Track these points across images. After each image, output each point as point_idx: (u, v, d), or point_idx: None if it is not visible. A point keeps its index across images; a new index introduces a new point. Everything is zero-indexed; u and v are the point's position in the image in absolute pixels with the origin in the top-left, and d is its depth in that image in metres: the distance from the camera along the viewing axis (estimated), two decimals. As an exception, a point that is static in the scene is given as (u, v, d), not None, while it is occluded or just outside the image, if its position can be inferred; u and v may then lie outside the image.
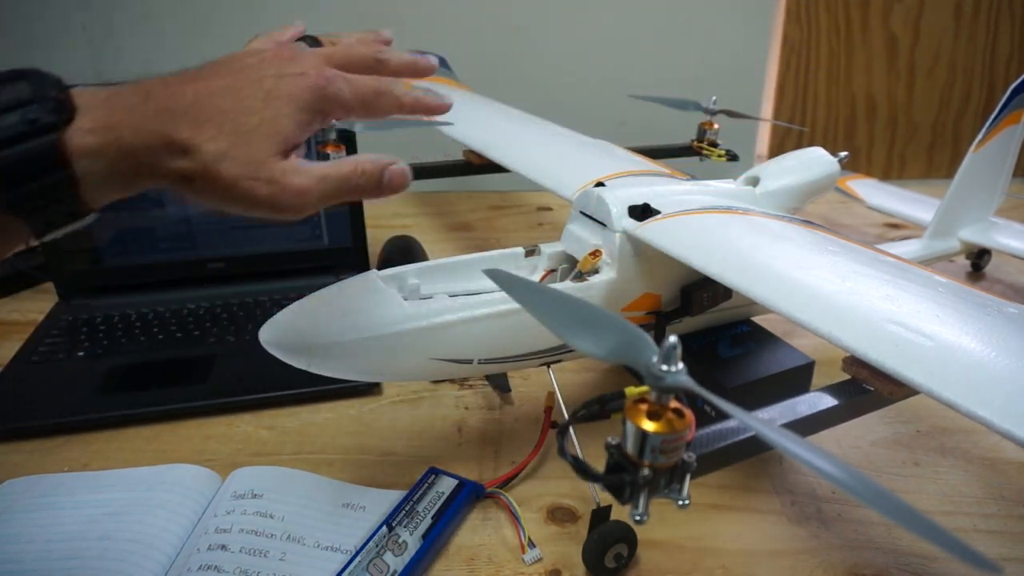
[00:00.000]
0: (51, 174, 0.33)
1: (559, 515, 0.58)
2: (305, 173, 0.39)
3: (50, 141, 0.33)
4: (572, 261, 0.63)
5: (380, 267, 0.58)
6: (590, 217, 0.61)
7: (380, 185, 0.42)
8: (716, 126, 0.99)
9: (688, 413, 0.35)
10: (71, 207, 0.35)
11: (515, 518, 0.57)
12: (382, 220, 1.20)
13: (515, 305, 0.53)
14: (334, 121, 0.73)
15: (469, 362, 0.56)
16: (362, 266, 0.96)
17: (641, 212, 0.58)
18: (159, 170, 0.36)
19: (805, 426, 0.49)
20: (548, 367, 0.61)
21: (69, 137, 0.33)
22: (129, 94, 0.37)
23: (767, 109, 1.52)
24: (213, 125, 0.37)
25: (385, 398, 0.73)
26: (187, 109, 0.37)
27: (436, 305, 0.54)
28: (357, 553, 0.51)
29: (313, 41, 0.52)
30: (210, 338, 0.80)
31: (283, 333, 0.51)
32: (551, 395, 0.62)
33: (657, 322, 0.63)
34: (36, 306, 0.90)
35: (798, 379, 0.65)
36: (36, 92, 0.33)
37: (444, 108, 0.47)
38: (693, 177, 0.73)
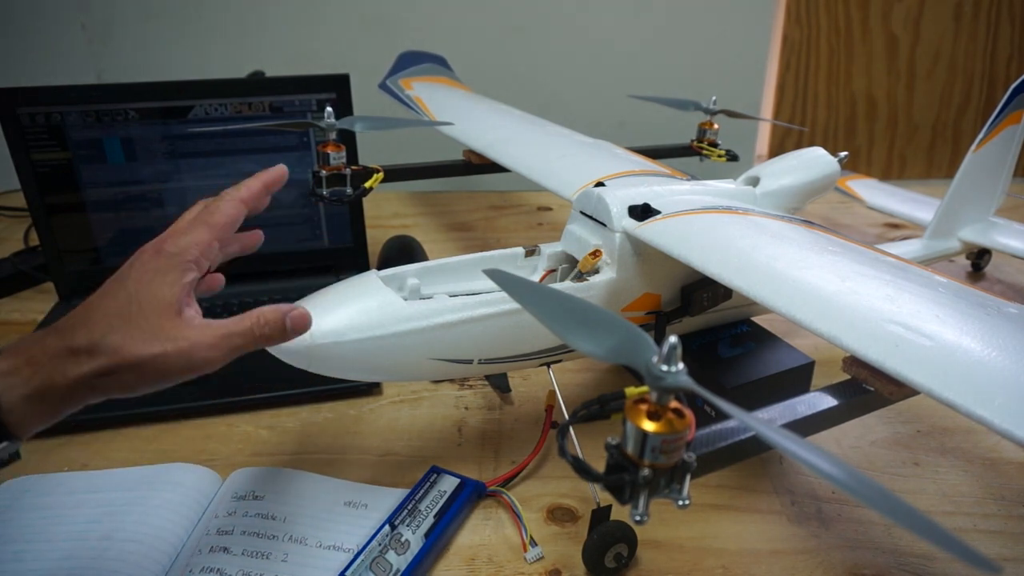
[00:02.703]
0: None
1: (559, 515, 0.58)
2: (205, 328, 0.43)
3: None
4: (572, 261, 0.63)
5: (380, 267, 0.58)
6: (590, 217, 0.61)
7: (284, 330, 0.46)
8: (716, 126, 0.99)
9: (688, 413, 0.35)
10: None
11: (517, 516, 0.57)
12: (382, 220, 1.20)
13: (515, 305, 0.53)
14: (333, 120, 0.73)
15: (469, 362, 0.56)
16: (362, 266, 0.96)
17: (641, 212, 0.58)
18: (72, 380, 0.40)
19: (805, 426, 0.49)
20: (548, 367, 0.61)
21: None
22: (34, 334, 0.42)
23: (767, 109, 1.52)
24: (104, 322, 0.41)
25: (385, 398, 0.73)
26: (79, 321, 0.41)
27: (436, 305, 0.54)
28: (360, 552, 0.51)
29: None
30: (210, 338, 0.80)
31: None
32: (552, 394, 0.62)
33: (657, 322, 0.63)
34: (36, 306, 0.90)
35: (798, 379, 0.65)
36: None
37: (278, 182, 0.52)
38: (693, 177, 0.73)
